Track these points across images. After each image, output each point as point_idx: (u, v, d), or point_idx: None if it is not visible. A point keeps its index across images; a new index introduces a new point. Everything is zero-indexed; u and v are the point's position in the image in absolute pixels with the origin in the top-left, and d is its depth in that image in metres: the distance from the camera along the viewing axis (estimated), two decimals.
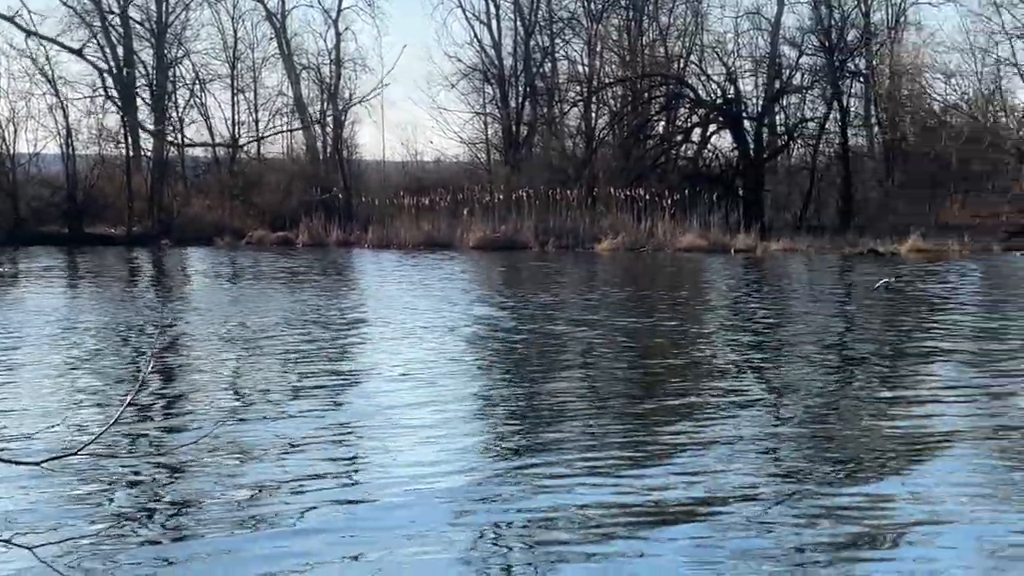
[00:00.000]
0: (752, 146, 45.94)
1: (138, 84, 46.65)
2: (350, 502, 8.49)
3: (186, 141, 47.27)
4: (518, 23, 46.50)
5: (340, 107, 44.79)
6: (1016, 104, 43.13)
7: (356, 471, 9.37)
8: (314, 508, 8.27)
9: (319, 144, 46.71)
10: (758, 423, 10.79)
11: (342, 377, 13.76)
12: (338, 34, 46.15)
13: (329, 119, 44.87)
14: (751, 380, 13.45)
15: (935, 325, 18.04)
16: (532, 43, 46.68)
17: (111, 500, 8.68)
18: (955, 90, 41.99)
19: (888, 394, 12.38)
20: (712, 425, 10.65)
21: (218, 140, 46.46)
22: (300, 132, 45.94)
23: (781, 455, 9.62)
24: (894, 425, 10.66)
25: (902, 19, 49.56)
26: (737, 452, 9.57)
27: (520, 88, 46.52)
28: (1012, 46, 38.33)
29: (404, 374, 13.64)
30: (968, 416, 11.08)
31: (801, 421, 10.93)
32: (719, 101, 46.07)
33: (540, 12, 46.81)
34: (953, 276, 27.73)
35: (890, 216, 41.73)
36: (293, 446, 10.01)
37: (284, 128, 47.77)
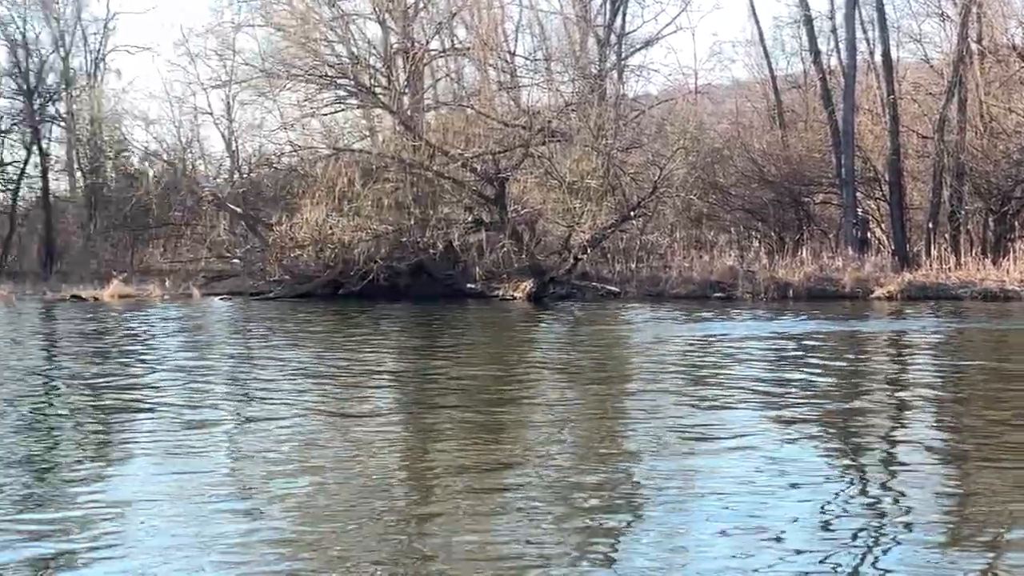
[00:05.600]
0: None
1: None
2: None
3: None
4: None
5: None
6: (213, 152, 44.92)
7: None
8: None
9: None
10: None
11: None
12: None
13: None
14: None
15: (145, 363, 18.21)
16: None
17: None
18: (154, 137, 42.91)
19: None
20: None
21: None
22: None
23: None
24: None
25: (102, 65, 49.84)
26: None
27: None
28: (208, 96, 39.87)
29: None
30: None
31: None
32: None
33: None
34: (158, 319, 28.11)
35: (92, 261, 41.65)
36: None
37: None
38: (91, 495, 9.04)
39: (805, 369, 16.82)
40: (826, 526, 7.96)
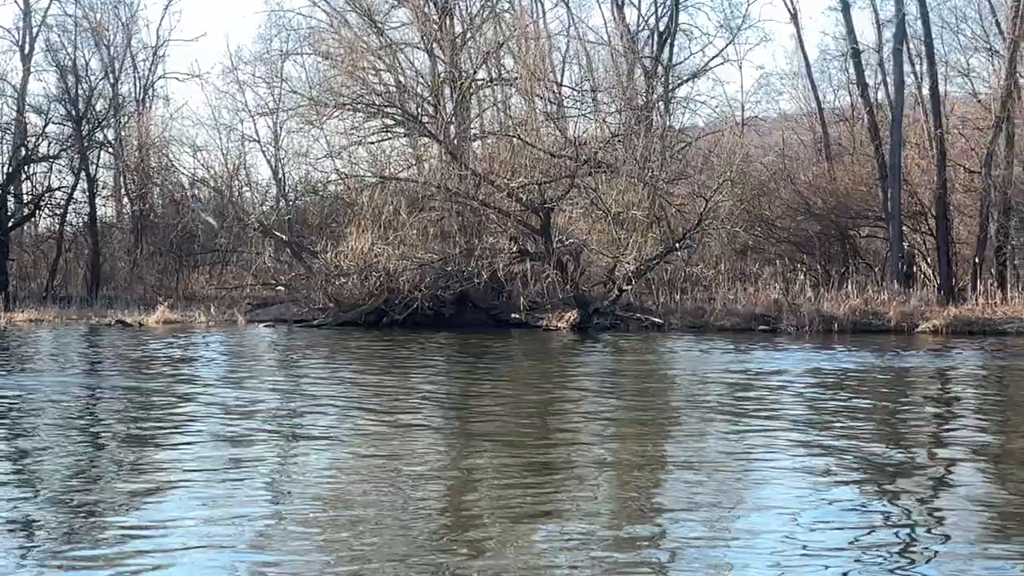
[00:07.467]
0: None
1: None
2: None
3: None
4: None
5: None
6: (259, 179, 45.16)
7: None
8: None
9: None
10: None
11: None
12: None
13: None
14: None
15: (189, 388, 18.32)
16: None
17: None
18: (202, 163, 43.14)
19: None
20: None
21: None
22: None
23: None
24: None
25: (151, 91, 50.28)
26: None
27: None
28: (255, 123, 40.07)
29: None
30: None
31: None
32: None
33: None
34: (200, 345, 28.26)
35: (138, 286, 41.92)
36: None
37: None
38: (134, 514, 9.15)
39: (847, 404, 16.74)
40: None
